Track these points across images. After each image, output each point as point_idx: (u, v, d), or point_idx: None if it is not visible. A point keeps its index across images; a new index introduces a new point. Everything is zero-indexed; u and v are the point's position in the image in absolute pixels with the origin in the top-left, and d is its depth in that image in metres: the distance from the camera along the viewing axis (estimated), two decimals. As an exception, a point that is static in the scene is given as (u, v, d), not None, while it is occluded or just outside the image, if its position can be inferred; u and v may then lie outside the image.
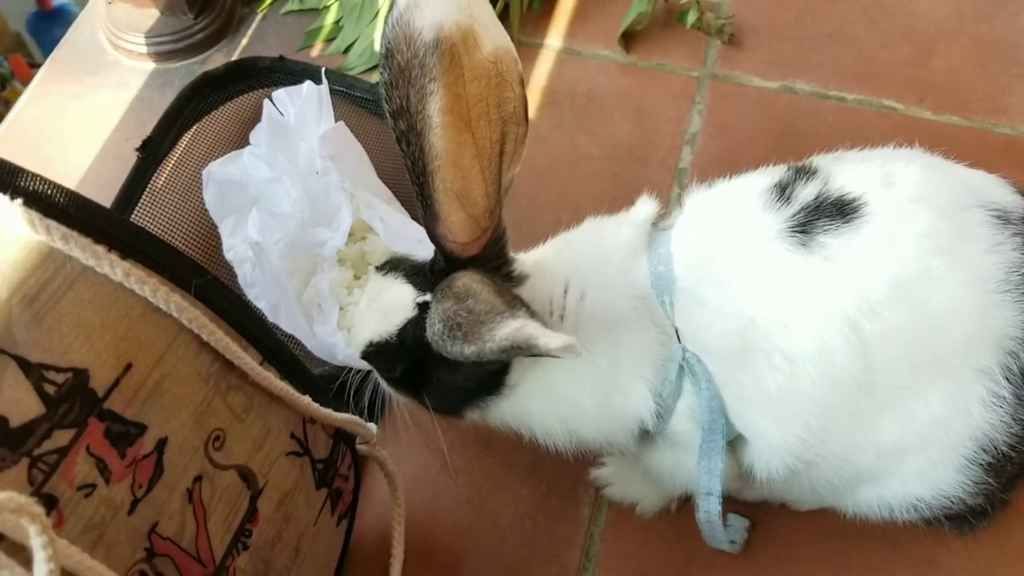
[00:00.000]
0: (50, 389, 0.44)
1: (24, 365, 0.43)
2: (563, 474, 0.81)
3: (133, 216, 0.91)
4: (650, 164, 0.99)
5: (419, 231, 0.81)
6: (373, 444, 0.72)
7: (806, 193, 0.64)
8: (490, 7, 0.55)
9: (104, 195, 0.91)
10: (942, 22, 1.11)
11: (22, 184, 0.45)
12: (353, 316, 0.71)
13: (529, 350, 0.51)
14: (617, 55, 1.11)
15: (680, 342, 0.64)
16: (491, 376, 0.66)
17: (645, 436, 0.68)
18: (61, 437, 0.45)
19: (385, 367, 0.68)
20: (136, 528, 0.50)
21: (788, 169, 0.67)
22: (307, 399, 0.62)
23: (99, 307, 0.47)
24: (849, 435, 0.63)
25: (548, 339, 0.51)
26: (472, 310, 0.55)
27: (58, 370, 0.45)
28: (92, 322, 0.47)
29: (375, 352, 0.67)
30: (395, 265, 0.69)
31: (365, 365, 0.79)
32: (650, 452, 0.71)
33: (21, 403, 0.43)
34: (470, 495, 0.81)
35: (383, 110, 1.01)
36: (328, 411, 0.65)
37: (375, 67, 1.10)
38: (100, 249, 0.46)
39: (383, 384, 0.71)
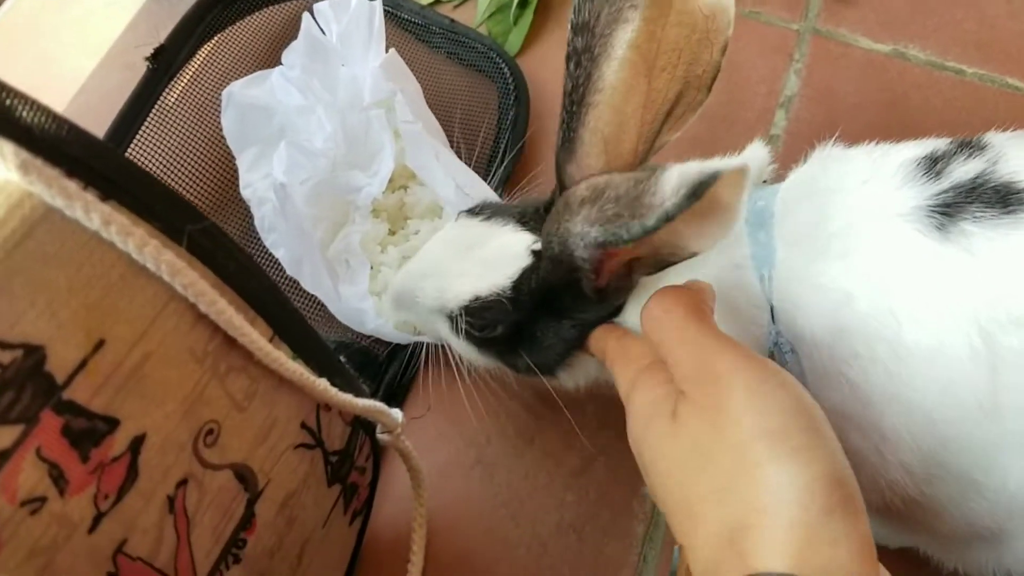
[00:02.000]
0: (-10, 372, 0.33)
1: (-45, 339, 0.32)
2: (616, 481, 0.69)
3: (139, 136, 0.79)
4: (738, 126, 0.86)
5: (487, 192, 0.69)
6: (397, 433, 0.61)
7: (964, 171, 0.51)
8: None
9: (107, 106, 0.80)
10: (1081, -9, 0.96)
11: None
12: (437, 267, 0.61)
13: (710, 182, 0.39)
14: (705, -3, 0.96)
15: (775, 323, 0.53)
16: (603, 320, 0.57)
17: None
18: (3, 437, 0.33)
19: (490, 324, 0.59)
20: (98, 549, 0.39)
21: (951, 142, 0.55)
22: (323, 383, 0.51)
23: (66, 263, 0.35)
24: (966, 473, 0.51)
25: (722, 163, 0.39)
26: (617, 197, 0.45)
27: (4, 346, 0.33)
28: (55, 283, 0.35)
29: (480, 308, 0.58)
30: (497, 210, 0.61)
31: (398, 336, 0.68)
32: None
33: (-52, 391, 0.32)
34: (506, 497, 0.69)
35: (432, 37, 0.89)
36: (348, 397, 0.54)
37: (430, -16, 0.96)
38: (72, 186, 0.34)
39: (458, 346, 0.62)
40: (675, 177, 0.41)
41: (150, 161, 0.79)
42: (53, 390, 0.35)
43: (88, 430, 0.37)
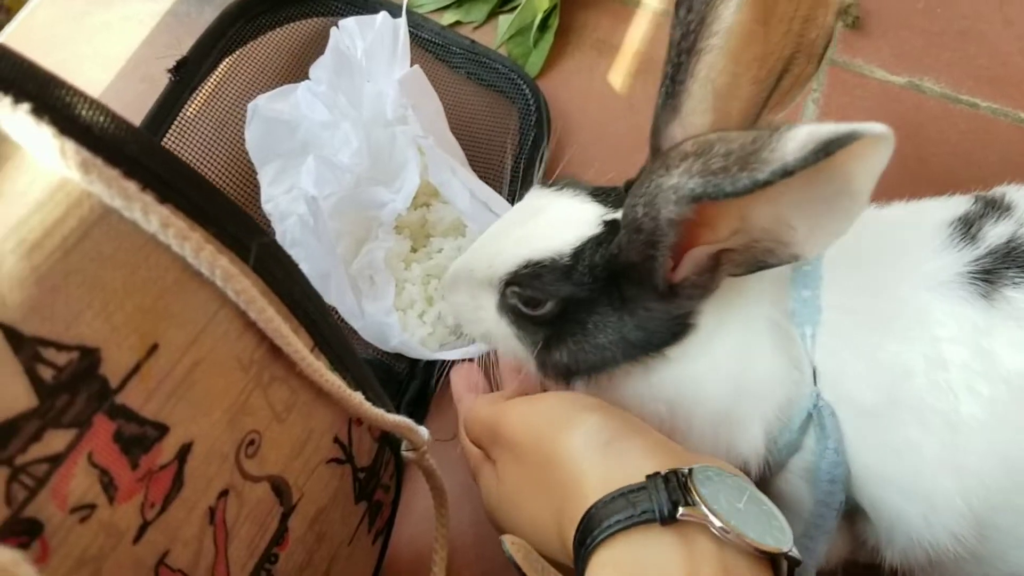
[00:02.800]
0: (46, 374, 0.32)
1: (14, 338, 0.31)
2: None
3: (159, 148, 0.78)
4: (756, 153, 0.86)
5: (506, 207, 0.69)
6: (423, 451, 0.60)
7: (996, 233, 0.51)
8: None
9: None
10: (1087, 30, 0.97)
11: (30, 87, 0.32)
12: (495, 235, 0.57)
13: (846, 141, 0.35)
14: (723, 25, 0.97)
15: (816, 385, 0.52)
16: (666, 326, 0.53)
17: None
18: (56, 440, 0.33)
19: (539, 297, 0.54)
20: (141, 560, 0.38)
21: (975, 201, 0.55)
22: (359, 396, 0.50)
23: (122, 265, 0.34)
24: (1014, 531, 0.51)
25: (860, 125, 0.36)
26: (728, 152, 0.40)
27: (60, 347, 0.32)
28: (111, 285, 0.34)
29: (532, 275, 0.54)
30: (572, 183, 0.57)
31: (422, 352, 0.67)
32: None
33: (5, 391, 0.31)
34: (527, 520, 0.68)
35: (452, 57, 0.89)
36: (380, 412, 0.53)
37: (447, 7, 0.96)
38: (131, 186, 0.34)
39: (499, 330, 0.58)
40: (803, 134, 0.37)
41: (169, 173, 0.78)
42: (107, 394, 0.34)
43: (139, 436, 0.36)
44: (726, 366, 0.53)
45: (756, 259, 0.47)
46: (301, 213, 0.68)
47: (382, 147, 0.72)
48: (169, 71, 0.79)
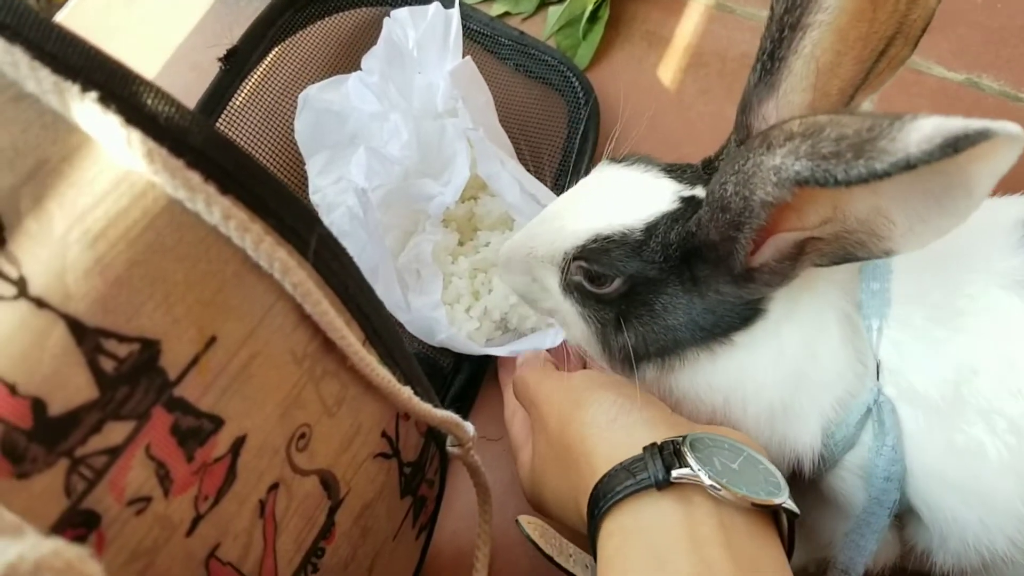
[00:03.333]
0: (108, 365, 0.32)
1: (77, 329, 0.31)
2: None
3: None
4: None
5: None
6: (468, 448, 0.60)
7: None
8: None
9: (176, 107, 0.79)
10: None
11: (97, 76, 0.32)
12: (558, 211, 0.56)
13: (977, 139, 0.33)
14: (776, 19, 0.95)
15: (878, 380, 0.51)
16: (736, 311, 0.51)
17: (794, 476, 0.55)
18: (115, 432, 0.32)
19: (606, 273, 0.52)
20: (193, 553, 0.38)
21: None
22: (408, 391, 0.49)
23: (184, 257, 0.34)
24: None
25: (993, 122, 0.33)
26: (841, 136, 0.38)
27: (121, 339, 0.32)
28: (173, 277, 0.34)
29: (600, 249, 0.52)
30: (642, 158, 0.56)
31: (468, 347, 0.66)
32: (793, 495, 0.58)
33: (67, 382, 0.31)
34: (572, 519, 0.68)
35: (501, 48, 0.88)
36: (428, 407, 0.52)
37: (497, -3, 0.96)
38: (194, 177, 0.33)
39: (560, 309, 0.57)
40: (930, 126, 0.34)
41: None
42: (166, 386, 0.34)
43: (195, 429, 0.36)
44: (792, 355, 0.51)
45: (845, 251, 0.45)
46: (350, 204, 0.67)
47: (431, 139, 0.71)
48: (220, 60, 0.79)
